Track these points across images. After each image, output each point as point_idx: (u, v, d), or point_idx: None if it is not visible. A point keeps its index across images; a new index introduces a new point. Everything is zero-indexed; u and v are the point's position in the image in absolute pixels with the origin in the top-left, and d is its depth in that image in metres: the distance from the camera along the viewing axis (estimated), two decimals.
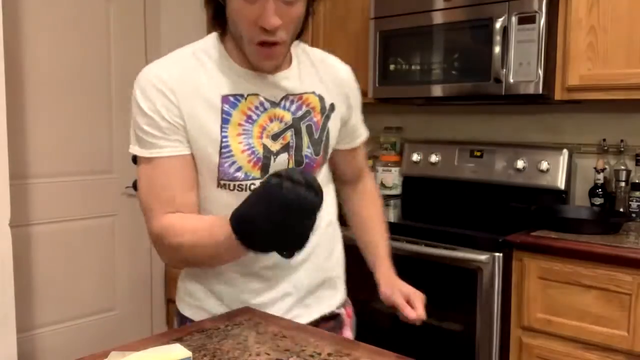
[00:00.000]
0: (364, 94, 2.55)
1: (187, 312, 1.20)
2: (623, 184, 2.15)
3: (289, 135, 1.09)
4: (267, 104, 1.07)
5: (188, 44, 1.18)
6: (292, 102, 1.10)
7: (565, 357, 1.76)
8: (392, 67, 2.43)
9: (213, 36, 1.11)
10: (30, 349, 2.74)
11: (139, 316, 3.14)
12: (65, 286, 2.86)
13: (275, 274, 1.15)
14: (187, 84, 1.04)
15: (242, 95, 1.06)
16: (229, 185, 1.07)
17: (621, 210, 2.14)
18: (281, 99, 1.09)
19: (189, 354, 0.88)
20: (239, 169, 1.06)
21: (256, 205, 0.88)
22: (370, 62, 2.48)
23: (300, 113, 1.11)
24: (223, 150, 1.04)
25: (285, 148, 1.09)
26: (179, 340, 1.09)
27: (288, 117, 1.09)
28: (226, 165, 1.05)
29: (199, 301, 1.19)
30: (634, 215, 2.10)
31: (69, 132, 2.83)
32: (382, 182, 2.76)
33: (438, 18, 2.25)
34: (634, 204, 2.11)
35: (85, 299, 2.93)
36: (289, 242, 0.91)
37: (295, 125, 1.10)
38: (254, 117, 1.06)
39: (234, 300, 1.17)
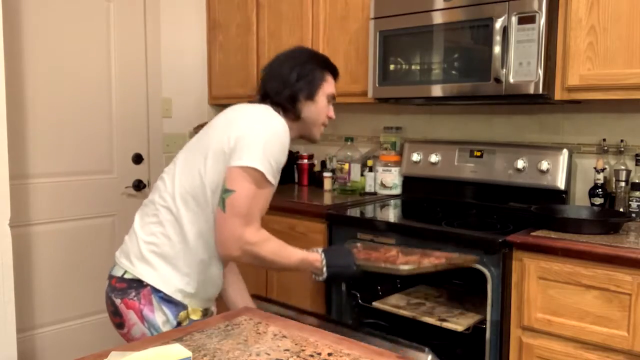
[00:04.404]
0: (363, 94, 2.57)
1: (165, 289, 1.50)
2: (623, 184, 2.15)
3: None
4: None
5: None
6: None
7: (565, 357, 1.76)
8: (392, 67, 2.43)
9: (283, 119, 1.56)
10: (30, 349, 2.74)
11: None
12: (65, 286, 2.86)
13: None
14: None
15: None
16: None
17: (621, 210, 2.14)
18: None
19: (189, 354, 0.89)
20: None
21: (338, 261, 1.61)
22: (370, 62, 2.48)
23: None
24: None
25: None
26: (179, 340, 1.09)
27: None
28: None
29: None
30: (634, 215, 2.09)
31: (69, 132, 2.83)
32: (382, 182, 2.76)
33: (438, 18, 2.25)
34: (634, 204, 2.11)
35: (85, 299, 2.93)
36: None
37: None
38: None
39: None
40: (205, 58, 3.39)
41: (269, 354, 1.03)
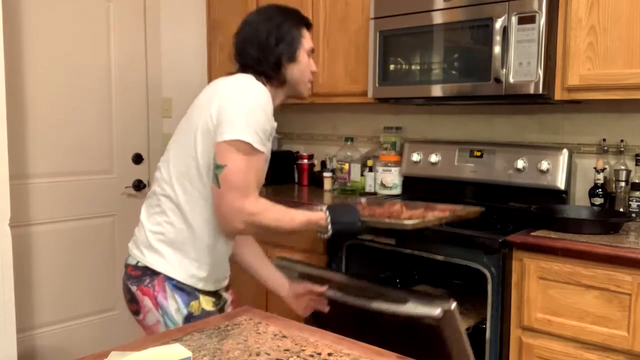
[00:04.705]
0: (363, 94, 2.57)
1: (176, 275, 1.51)
2: (623, 184, 2.15)
3: None
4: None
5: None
6: None
7: (565, 357, 1.76)
8: (392, 67, 2.43)
9: (264, 87, 1.51)
10: (30, 349, 2.74)
11: None
12: (65, 286, 2.86)
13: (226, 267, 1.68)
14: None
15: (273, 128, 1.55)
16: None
17: (621, 210, 2.14)
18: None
19: (189, 354, 0.89)
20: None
21: (343, 218, 1.56)
22: (370, 62, 2.48)
23: None
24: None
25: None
26: (179, 340, 1.10)
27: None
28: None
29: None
30: (634, 215, 2.10)
31: (69, 132, 2.83)
32: (382, 182, 2.76)
33: (438, 18, 2.25)
34: (633, 204, 2.11)
35: (85, 298, 2.93)
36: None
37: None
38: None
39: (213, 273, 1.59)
40: (206, 58, 3.40)
41: (269, 354, 1.03)
